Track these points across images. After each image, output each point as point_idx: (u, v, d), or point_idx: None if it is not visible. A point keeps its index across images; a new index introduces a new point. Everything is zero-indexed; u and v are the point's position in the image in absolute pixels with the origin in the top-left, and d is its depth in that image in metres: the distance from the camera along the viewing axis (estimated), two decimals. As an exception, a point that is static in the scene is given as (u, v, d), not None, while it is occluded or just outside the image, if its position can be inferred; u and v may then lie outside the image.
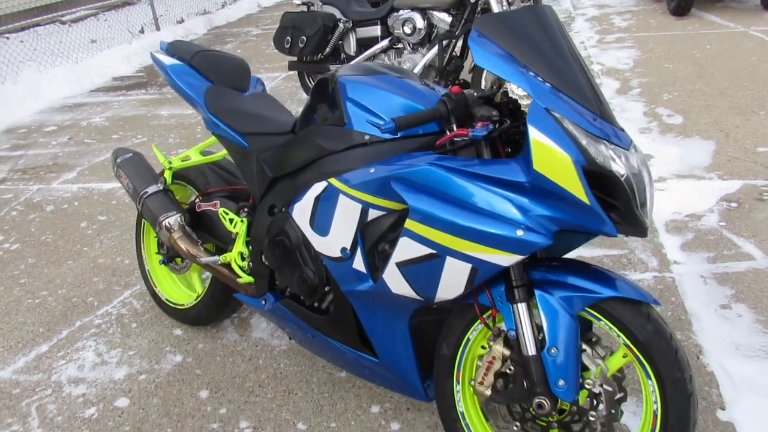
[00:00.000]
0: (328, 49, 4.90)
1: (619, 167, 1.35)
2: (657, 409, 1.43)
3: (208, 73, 2.24)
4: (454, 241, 1.42)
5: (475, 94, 1.49)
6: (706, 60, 5.51)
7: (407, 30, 4.42)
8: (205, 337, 2.47)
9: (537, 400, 1.47)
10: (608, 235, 1.38)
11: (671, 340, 1.42)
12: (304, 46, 4.87)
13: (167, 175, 2.28)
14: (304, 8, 5.14)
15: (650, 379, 1.43)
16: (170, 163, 2.27)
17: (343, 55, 4.91)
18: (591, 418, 1.48)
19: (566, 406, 1.52)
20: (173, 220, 2.15)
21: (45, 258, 3.27)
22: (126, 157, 2.33)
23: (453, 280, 1.46)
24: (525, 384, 1.49)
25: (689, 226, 2.90)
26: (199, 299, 2.38)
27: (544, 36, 1.48)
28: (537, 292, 1.46)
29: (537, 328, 1.48)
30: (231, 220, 2.09)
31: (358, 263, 1.62)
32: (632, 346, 1.44)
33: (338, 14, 4.83)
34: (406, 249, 1.49)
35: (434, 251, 1.45)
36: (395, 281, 1.54)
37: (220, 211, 2.13)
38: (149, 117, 5.61)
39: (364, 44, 4.83)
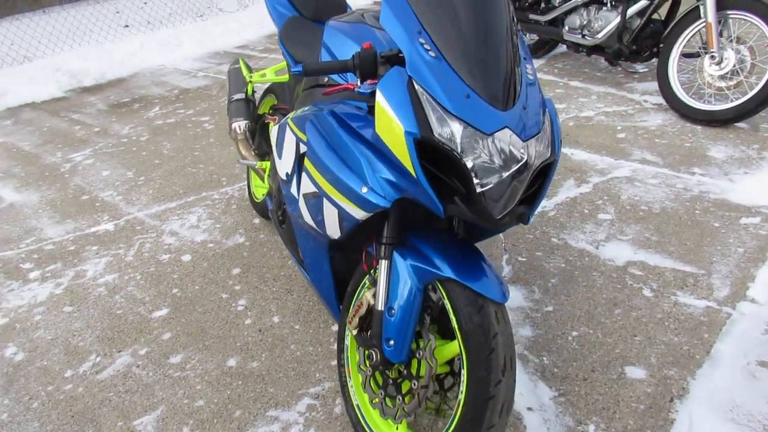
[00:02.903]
0: (532, -3, 4.72)
1: (466, 149, 1.30)
2: (461, 399, 1.41)
3: (299, 5, 2.53)
4: (326, 185, 1.55)
5: (381, 52, 1.52)
6: None
7: (607, -17, 4.03)
8: (269, 231, 2.92)
9: (369, 351, 1.56)
10: (438, 214, 1.35)
11: (491, 339, 1.37)
12: (527, 4, 4.77)
13: (249, 87, 2.70)
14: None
15: (463, 368, 1.41)
16: (251, 77, 2.68)
17: (543, 5, 4.69)
18: (412, 386, 1.52)
19: (402, 368, 1.57)
20: (240, 124, 2.57)
21: (220, 141, 4.07)
22: (234, 66, 2.80)
23: (330, 221, 1.59)
24: (368, 333, 1.58)
25: (813, 269, 2.33)
26: (264, 196, 2.82)
27: (469, 7, 1.43)
28: (394, 254, 1.51)
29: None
30: (273, 134, 2.44)
31: (294, 188, 1.83)
32: (458, 332, 1.42)
33: (551, -40, 4.58)
34: (305, 183, 1.66)
35: (317, 190, 1.60)
36: (304, 211, 1.73)
37: (271, 124, 2.48)
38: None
39: (570, -6, 4.53)
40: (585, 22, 4.30)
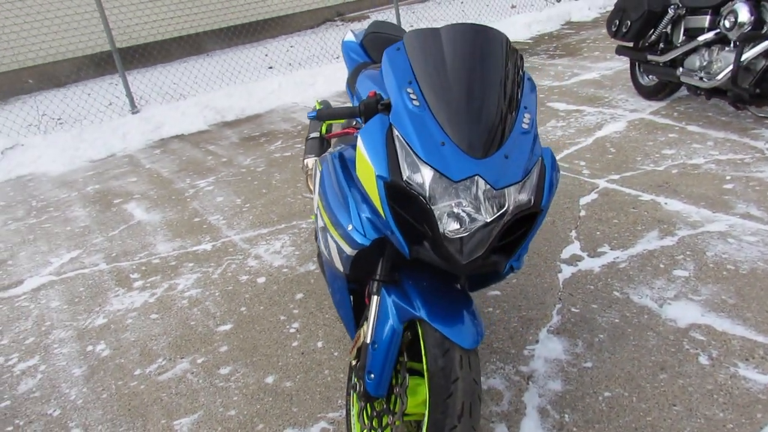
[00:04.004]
0: (653, 37, 4.50)
1: (435, 195, 1.35)
2: (422, 437, 1.42)
3: (371, 52, 2.71)
4: (328, 222, 1.66)
5: (383, 100, 1.61)
6: None
7: (727, 24, 3.74)
8: (340, 261, 3.09)
9: (355, 381, 1.62)
10: (404, 255, 1.40)
11: (451, 383, 1.38)
12: (627, 30, 4.60)
13: (323, 126, 2.90)
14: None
15: (425, 406, 1.42)
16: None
17: (662, 44, 4.44)
18: (389, 420, 1.55)
19: (384, 402, 1.61)
20: (310, 161, 2.78)
21: (323, 174, 4.36)
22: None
23: (334, 255, 1.70)
24: (357, 364, 1.65)
25: None
26: (334, 229, 3.00)
27: (459, 60, 1.49)
28: (383, 291, 1.58)
29: None
30: (335, 171, 2.61)
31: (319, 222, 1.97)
32: (425, 372, 1.44)
33: (675, -1, 4.36)
34: (319, 218, 1.79)
35: (323, 225, 1.72)
36: (322, 244, 1.85)
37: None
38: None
39: (692, 34, 4.25)
40: (704, 64, 4.01)
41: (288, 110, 6.42)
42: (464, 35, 1.53)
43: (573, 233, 3.01)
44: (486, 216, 1.36)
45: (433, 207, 1.35)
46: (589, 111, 4.82)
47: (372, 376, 1.56)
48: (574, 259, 2.78)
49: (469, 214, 1.35)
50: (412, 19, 9.99)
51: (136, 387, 2.36)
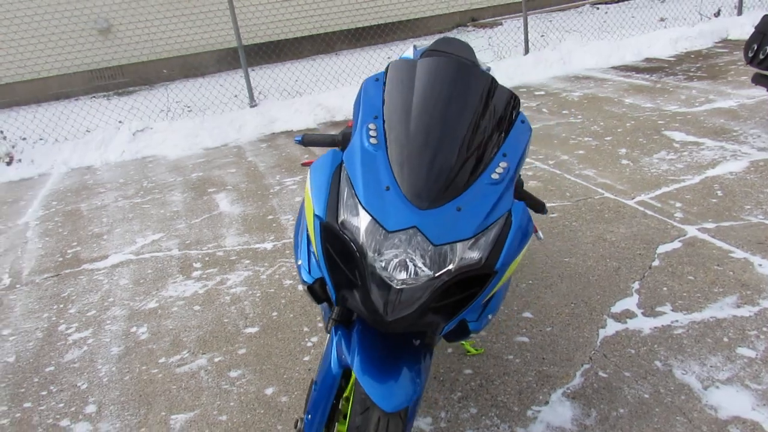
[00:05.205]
0: (796, 66, 3.90)
1: (367, 243, 1.26)
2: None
3: (426, 70, 2.61)
4: (293, 249, 1.62)
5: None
6: None
7: None
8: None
9: (297, 417, 1.57)
10: (331, 300, 1.32)
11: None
12: (765, 56, 4.03)
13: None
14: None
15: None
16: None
17: (805, 76, 3.82)
18: (319, 467, 1.48)
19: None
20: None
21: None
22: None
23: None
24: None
25: None
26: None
27: (429, 95, 1.40)
28: (332, 330, 1.51)
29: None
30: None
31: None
32: (346, 425, 1.36)
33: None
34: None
35: (298, 254, 1.68)
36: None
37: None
38: (613, 101, 5.72)
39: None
40: None
41: (395, 115, 6.43)
42: (440, 71, 1.42)
43: (635, 284, 2.69)
44: (426, 272, 1.25)
45: (366, 255, 1.26)
46: (708, 145, 4.29)
47: (309, 417, 1.50)
48: (624, 316, 2.49)
49: (397, 268, 1.24)
50: (543, 28, 9.55)
51: (155, 375, 2.49)
